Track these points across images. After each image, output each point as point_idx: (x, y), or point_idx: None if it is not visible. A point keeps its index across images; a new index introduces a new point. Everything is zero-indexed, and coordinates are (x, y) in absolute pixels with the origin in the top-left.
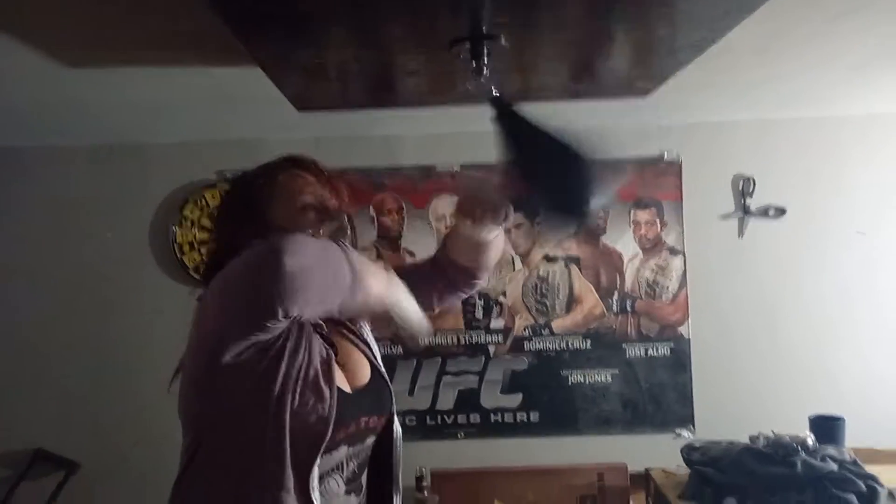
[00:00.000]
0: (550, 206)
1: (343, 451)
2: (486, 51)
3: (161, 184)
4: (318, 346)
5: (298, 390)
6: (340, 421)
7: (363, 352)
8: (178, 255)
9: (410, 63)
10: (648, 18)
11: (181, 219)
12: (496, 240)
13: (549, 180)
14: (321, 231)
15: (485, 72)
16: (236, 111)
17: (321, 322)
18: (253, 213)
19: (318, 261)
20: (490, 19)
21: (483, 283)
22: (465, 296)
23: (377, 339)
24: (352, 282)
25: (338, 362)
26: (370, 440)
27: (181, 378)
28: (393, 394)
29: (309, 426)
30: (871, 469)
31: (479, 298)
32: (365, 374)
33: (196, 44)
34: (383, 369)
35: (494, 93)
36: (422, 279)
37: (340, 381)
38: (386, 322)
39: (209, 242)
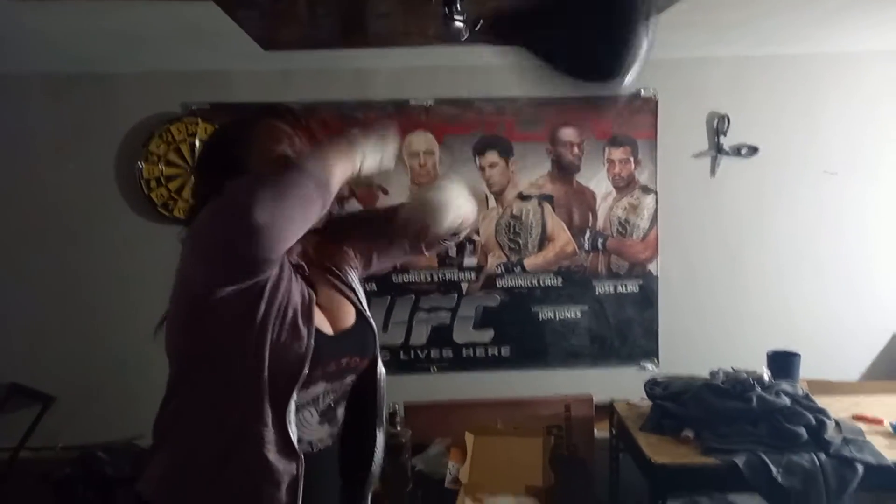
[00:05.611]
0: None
1: (321, 386)
2: None
3: (125, 116)
4: (298, 287)
5: (276, 329)
6: (318, 359)
7: (348, 297)
8: (146, 191)
9: (381, 6)
10: None
11: (147, 154)
12: (455, 204)
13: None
14: None
15: (457, 20)
16: (201, 42)
17: (303, 264)
18: (231, 163)
19: (286, 200)
20: None
21: (432, 249)
22: (413, 254)
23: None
24: (321, 197)
25: (319, 305)
26: (350, 378)
27: (167, 315)
28: (377, 337)
29: (287, 363)
30: (823, 400)
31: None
32: (349, 317)
33: None
34: (368, 314)
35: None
36: (372, 230)
37: (321, 322)
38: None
39: (193, 189)
